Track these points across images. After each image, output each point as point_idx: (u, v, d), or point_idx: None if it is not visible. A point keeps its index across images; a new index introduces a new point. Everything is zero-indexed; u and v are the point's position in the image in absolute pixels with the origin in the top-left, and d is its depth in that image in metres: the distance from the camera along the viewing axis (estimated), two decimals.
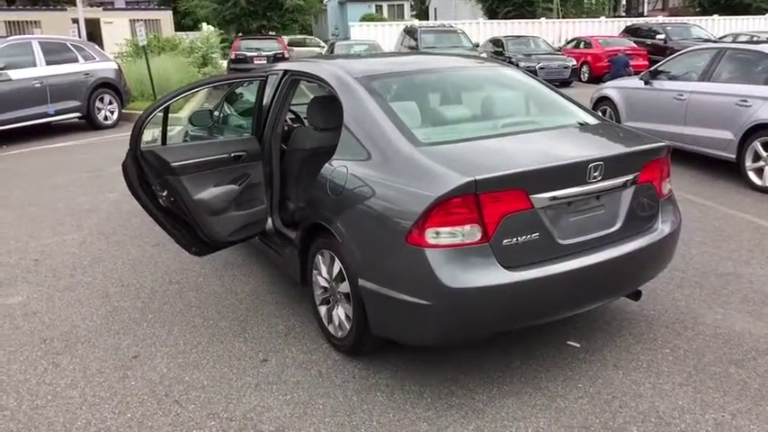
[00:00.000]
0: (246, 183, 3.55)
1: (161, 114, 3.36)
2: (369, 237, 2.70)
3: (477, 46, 18.78)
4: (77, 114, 10.36)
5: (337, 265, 2.95)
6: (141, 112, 3.18)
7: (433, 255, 2.43)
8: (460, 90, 3.64)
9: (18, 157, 8.49)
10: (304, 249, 3.32)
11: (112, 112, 10.88)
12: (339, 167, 2.95)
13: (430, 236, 2.44)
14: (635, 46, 18.53)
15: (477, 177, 2.40)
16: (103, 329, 3.41)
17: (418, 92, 3.43)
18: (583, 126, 3.21)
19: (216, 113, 4.85)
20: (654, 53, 18.23)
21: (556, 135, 3.08)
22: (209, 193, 3.33)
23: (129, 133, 3.19)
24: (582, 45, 19.45)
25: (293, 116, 4.84)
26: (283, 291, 3.86)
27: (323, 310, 3.21)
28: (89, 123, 10.56)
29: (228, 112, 4.95)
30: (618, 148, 2.93)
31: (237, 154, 3.49)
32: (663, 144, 2.98)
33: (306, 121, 4.65)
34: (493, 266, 2.46)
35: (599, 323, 3.35)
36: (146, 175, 3.26)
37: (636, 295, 3.06)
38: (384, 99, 3.02)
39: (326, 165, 3.06)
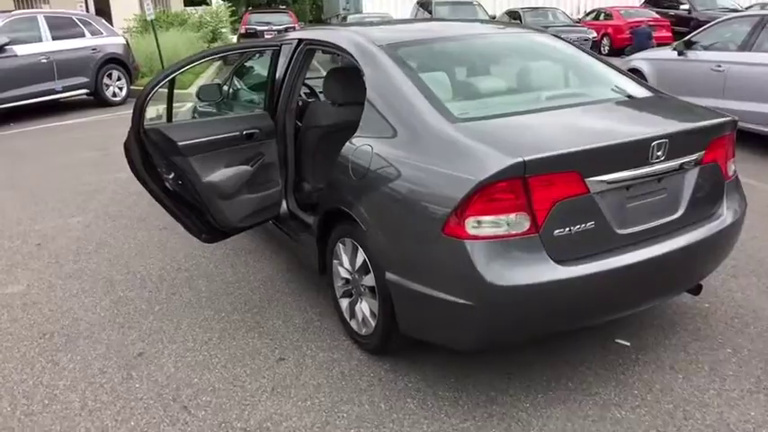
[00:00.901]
0: (260, 163, 3.25)
1: (166, 89, 3.05)
2: (398, 225, 2.39)
3: (494, 18, 18.19)
4: (85, 91, 10.07)
5: (361, 256, 2.65)
6: (143, 88, 2.87)
7: (474, 247, 2.12)
8: (494, 59, 3.29)
9: (24, 136, 8.24)
10: (322, 236, 3.02)
11: (121, 89, 10.58)
12: (362, 146, 2.63)
13: (470, 226, 2.12)
14: (657, 17, 17.83)
15: (526, 158, 2.07)
16: (107, 322, 3.15)
17: (448, 61, 3.08)
18: (635, 99, 2.85)
19: (225, 88, 4.53)
20: (677, 24, 17.54)
21: (607, 109, 2.73)
22: (219, 174, 3.03)
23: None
24: (602, 16, 18.78)
25: (307, 90, 4.51)
26: (300, 279, 3.58)
27: (344, 303, 2.92)
28: (97, 100, 10.28)
29: (238, 86, 4.63)
30: (682, 124, 2.57)
31: (250, 132, 3.18)
32: (730, 119, 2.62)
33: (321, 95, 4.35)
34: (543, 261, 2.15)
35: (647, 317, 3.03)
36: (150, 155, 2.96)
37: (697, 289, 2.73)
38: (412, 69, 2.68)
39: (347, 144, 2.74)
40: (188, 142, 2.91)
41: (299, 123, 3.66)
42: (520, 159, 2.07)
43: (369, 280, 2.64)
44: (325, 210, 2.92)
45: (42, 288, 3.58)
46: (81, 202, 5.17)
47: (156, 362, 2.78)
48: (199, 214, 3.16)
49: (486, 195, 2.10)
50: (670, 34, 16.78)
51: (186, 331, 3.04)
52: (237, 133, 3.12)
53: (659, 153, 2.30)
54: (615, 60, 9.83)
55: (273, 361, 2.76)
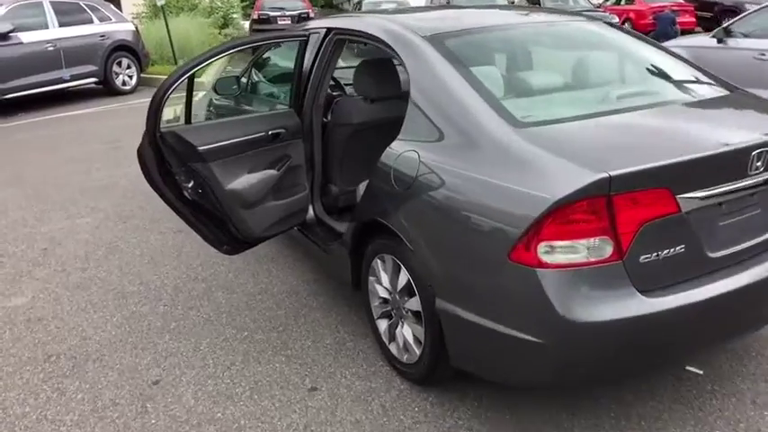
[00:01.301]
0: (286, 166, 2.94)
1: (184, 87, 2.74)
2: (452, 247, 2.08)
3: (513, 3, 17.66)
4: (94, 80, 9.78)
5: (404, 276, 2.35)
6: (158, 87, 2.54)
7: (547, 277, 1.80)
8: (551, 51, 2.95)
9: (32, 127, 7.97)
10: (357, 249, 2.71)
11: (131, 77, 10.27)
12: (407, 152, 2.30)
13: (542, 251, 1.81)
14: (682, 1, 17.24)
15: (612, 173, 1.75)
16: (118, 342, 2.87)
17: (501, 54, 2.75)
18: (717, 97, 2.51)
19: (243, 80, 4.21)
20: (700, 9, 16.96)
21: (689, 110, 2.38)
22: (243, 181, 2.73)
23: (149, 99, 2.54)
24: (624, 1, 18.20)
25: (333, 83, 4.17)
26: (328, 292, 3.28)
27: (382, 325, 2.62)
28: (106, 89, 9.99)
29: (257, 78, 4.30)
30: None
31: (276, 131, 2.87)
32: None
33: (346, 89, 4.02)
34: (627, 292, 1.83)
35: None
36: (166, 162, 2.65)
37: None
38: (463, 64, 2.35)
39: (388, 150, 2.42)
40: (210, 146, 2.60)
41: (325, 120, 3.35)
42: (605, 175, 1.74)
43: (413, 303, 2.33)
44: (362, 221, 2.61)
45: (48, 300, 3.31)
46: (90, 201, 4.89)
47: (173, 391, 2.50)
48: (219, 223, 2.86)
49: (563, 217, 1.78)
50: (694, 20, 16.25)
51: (206, 353, 2.75)
52: (263, 134, 2.81)
53: (758, 164, 1.97)
54: None
55: (305, 392, 2.47)
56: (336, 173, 3.44)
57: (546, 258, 1.81)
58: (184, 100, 2.66)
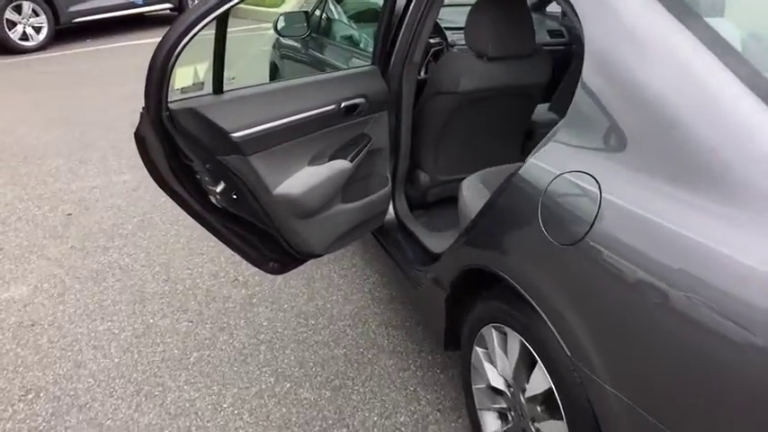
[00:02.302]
0: (363, 153, 2.00)
1: (211, 31, 1.75)
2: (656, 359, 1.08)
3: None
4: (169, 6, 9.06)
5: (541, 375, 1.38)
6: (165, 36, 1.50)
7: None
8: None
9: (97, 56, 7.38)
10: (457, 297, 1.77)
11: None
12: (574, 177, 1.26)
13: None
14: None
15: None
16: (118, 379, 2.11)
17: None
18: None
19: (318, 15, 3.23)
20: None
21: None
22: (300, 180, 1.80)
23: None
24: None
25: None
26: (407, 322, 2.38)
27: (490, 422, 1.69)
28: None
29: (334, 15, 3.30)
30: None
31: (351, 102, 1.91)
32: None
33: (449, 36, 2.95)
34: None
35: None
36: (181, 152, 1.70)
37: None
38: (697, 16, 1.26)
39: (531, 162, 1.38)
40: (250, 131, 1.65)
41: (420, 77, 2.36)
42: None
43: (547, 412, 1.39)
44: (467, 265, 1.65)
45: (51, 296, 2.59)
46: (134, 154, 4.15)
47: None
48: (262, 234, 1.98)
49: None
50: None
51: (228, 416, 1.94)
52: (332, 107, 1.85)
53: None
54: None
55: None
56: (429, 156, 2.48)
57: None
58: (212, 53, 1.65)
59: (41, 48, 7.66)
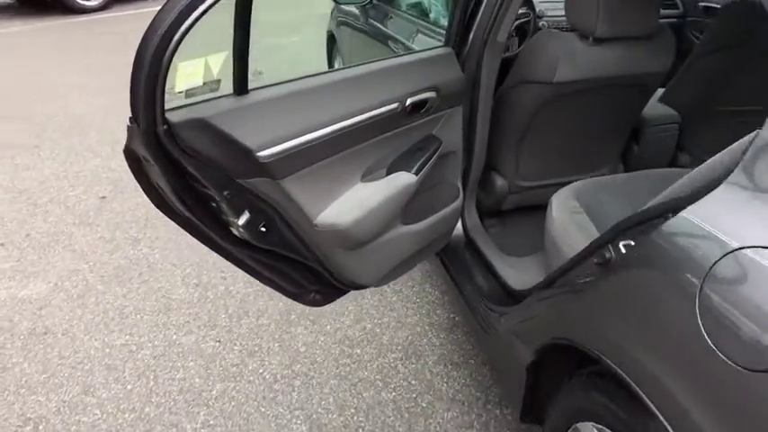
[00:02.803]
0: (432, 161, 1.57)
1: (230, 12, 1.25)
2: None
3: None
4: None
5: None
6: (158, 14, 1.04)
7: None
8: None
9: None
10: (538, 370, 1.34)
11: None
12: (762, 258, 0.78)
13: None
14: None
15: None
16: (128, 412, 1.79)
17: None
18: None
19: None
20: None
21: None
22: (351, 204, 1.39)
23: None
24: None
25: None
26: (472, 362, 1.97)
27: None
28: None
29: None
30: None
31: (418, 98, 1.47)
32: None
33: (538, 8, 2.42)
34: None
35: None
36: (189, 175, 1.21)
37: None
38: None
39: (684, 216, 0.89)
40: (283, 147, 1.22)
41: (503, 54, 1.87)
42: None
43: None
44: (560, 338, 1.20)
45: (70, 297, 2.32)
46: None
47: None
48: (299, 264, 1.57)
49: None
50: None
51: None
52: (393, 106, 1.41)
53: None
54: None
55: None
56: (508, 157, 2.02)
57: None
58: (232, 38, 1.17)
59: (102, 8, 7.51)
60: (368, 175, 1.44)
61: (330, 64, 3.56)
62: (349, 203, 1.38)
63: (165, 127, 1.08)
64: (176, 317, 2.19)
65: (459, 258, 1.91)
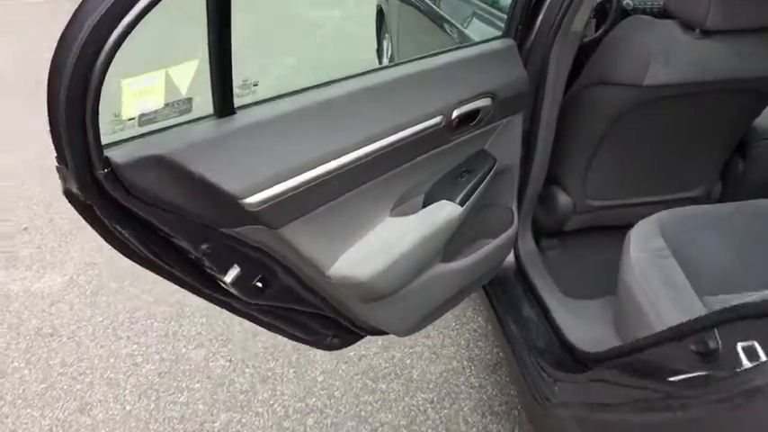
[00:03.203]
0: (484, 185, 1.25)
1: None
2: None
3: None
4: None
5: None
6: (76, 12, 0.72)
7: None
8: None
9: None
10: None
11: None
12: None
13: None
14: None
15: None
16: None
17: None
18: None
19: None
20: None
21: None
22: (378, 246, 1.10)
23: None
24: None
25: None
26: (508, 409, 1.67)
27: None
28: None
29: None
30: None
31: (470, 108, 1.16)
32: None
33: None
34: None
35: None
36: (154, 228, 0.90)
37: None
38: None
39: None
40: (282, 189, 0.92)
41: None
42: None
43: None
44: None
45: (83, 294, 2.16)
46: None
47: None
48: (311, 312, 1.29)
49: None
50: None
51: None
52: (437, 120, 1.11)
53: None
54: None
55: None
56: (575, 171, 1.68)
57: None
58: (207, 39, 0.83)
59: None
60: (400, 208, 1.15)
61: (379, 44, 3.21)
62: (374, 248, 1.09)
63: (105, 171, 0.77)
64: (188, 326, 1.99)
65: (506, 290, 1.60)
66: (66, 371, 1.84)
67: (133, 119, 0.79)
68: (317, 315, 1.26)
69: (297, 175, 0.94)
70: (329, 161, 0.97)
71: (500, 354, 1.85)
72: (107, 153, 0.77)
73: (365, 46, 3.67)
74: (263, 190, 0.90)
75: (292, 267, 1.06)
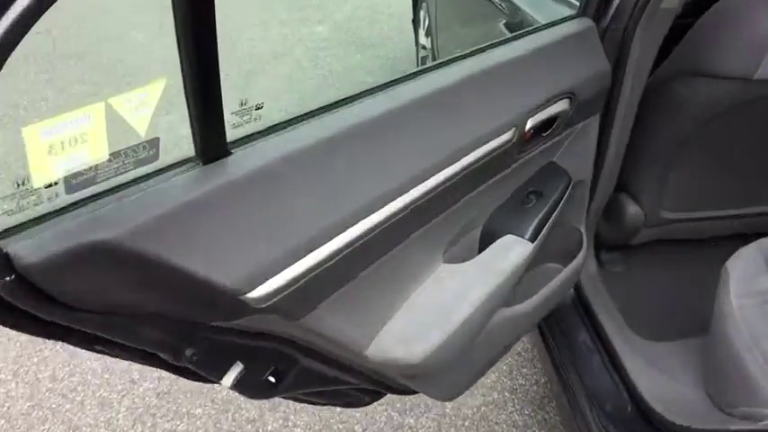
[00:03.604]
0: (558, 211, 0.97)
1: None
2: None
3: None
4: None
5: None
6: None
7: None
8: None
9: None
10: None
11: None
12: None
13: None
14: None
15: None
16: None
17: None
18: None
19: None
20: None
21: None
22: (425, 316, 0.82)
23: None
24: None
25: None
26: None
27: None
28: None
29: None
30: None
31: (546, 116, 0.90)
32: None
33: None
34: None
35: None
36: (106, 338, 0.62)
37: None
38: None
39: None
40: (299, 270, 0.63)
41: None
42: None
43: None
44: None
45: None
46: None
47: None
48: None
49: None
50: None
51: None
52: (507, 137, 0.83)
53: None
54: None
55: None
56: (650, 178, 1.39)
57: None
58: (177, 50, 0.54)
59: None
60: (453, 251, 0.88)
61: (415, 13, 2.84)
62: (425, 316, 0.82)
63: (7, 278, 0.49)
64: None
65: (560, 321, 1.33)
66: (55, 386, 1.65)
67: (55, 184, 0.50)
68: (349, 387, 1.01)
69: (321, 246, 0.65)
70: (363, 218, 0.69)
71: (548, 385, 1.59)
72: (7, 247, 0.49)
73: (399, 15, 3.37)
74: (273, 276, 0.62)
75: (317, 349, 0.80)
